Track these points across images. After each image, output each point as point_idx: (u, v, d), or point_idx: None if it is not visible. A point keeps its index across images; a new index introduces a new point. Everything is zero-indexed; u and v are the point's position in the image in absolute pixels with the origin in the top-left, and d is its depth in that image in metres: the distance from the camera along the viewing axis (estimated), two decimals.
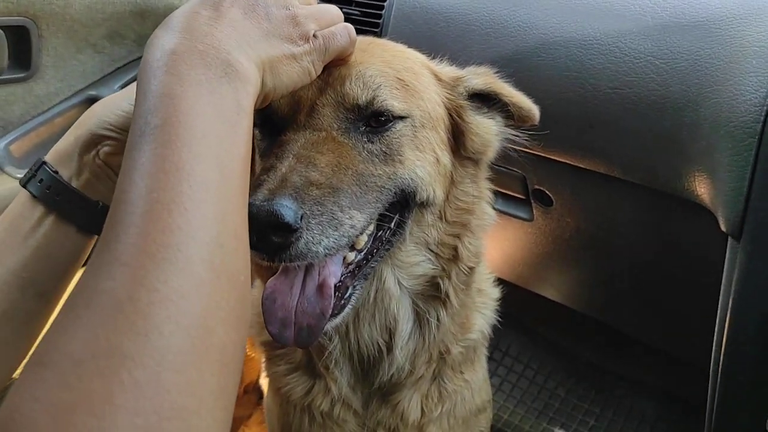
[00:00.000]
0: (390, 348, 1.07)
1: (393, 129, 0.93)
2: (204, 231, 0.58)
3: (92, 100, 1.61)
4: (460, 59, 1.38)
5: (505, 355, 2.46)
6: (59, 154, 0.87)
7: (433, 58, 1.41)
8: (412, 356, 1.08)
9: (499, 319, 2.15)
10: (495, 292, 1.26)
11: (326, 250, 0.82)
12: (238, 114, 0.67)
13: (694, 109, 1.06)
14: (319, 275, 0.90)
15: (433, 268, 1.04)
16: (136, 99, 0.66)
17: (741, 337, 1.07)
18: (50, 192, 0.83)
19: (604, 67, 1.17)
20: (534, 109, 1.04)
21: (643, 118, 1.13)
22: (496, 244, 1.74)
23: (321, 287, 0.89)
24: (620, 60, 1.15)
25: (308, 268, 0.90)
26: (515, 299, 2.06)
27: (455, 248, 1.04)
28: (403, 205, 0.97)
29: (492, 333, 1.27)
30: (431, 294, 1.05)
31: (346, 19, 1.59)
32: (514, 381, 2.39)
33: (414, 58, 1.04)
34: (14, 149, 1.54)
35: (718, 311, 1.10)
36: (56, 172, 0.85)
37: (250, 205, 0.74)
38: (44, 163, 0.85)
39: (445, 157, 1.00)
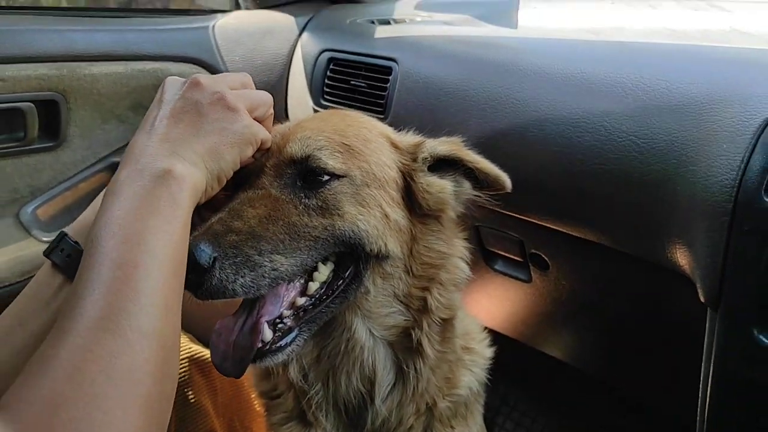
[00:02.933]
0: (372, 398, 1.15)
1: (329, 186, 1.03)
2: (142, 309, 0.73)
3: (115, 166, 1.70)
4: (459, 131, 1.47)
5: (513, 409, 2.49)
6: (81, 225, 0.96)
7: (434, 129, 1.51)
8: (397, 407, 1.15)
9: (507, 375, 2.19)
10: (487, 352, 1.31)
11: (243, 288, 0.93)
12: (172, 207, 0.81)
13: (673, 187, 1.13)
14: (257, 314, 1.01)
15: (406, 320, 1.12)
16: (96, 217, 0.80)
17: (722, 402, 1.11)
18: (70, 261, 0.92)
19: (591, 145, 1.24)
20: (501, 176, 1.11)
21: (627, 192, 1.20)
22: (498, 303, 1.80)
23: (254, 324, 1.00)
24: (605, 138, 1.23)
25: (251, 309, 1.02)
26: (522, 355, 2.11)
27: (424, 300, 1.11)
28: (355, 257, 1.05)
29: (485, 390, 1.33)
30: (408, 345, 1.13)
31: (354, 90, 1.71)
32: None
33: (371, 127, 1.15)
34: (41, 213, 1.64)
35: (701, 377, 1.15)
36: (76, 243, 0.93)
37: None
38: (65, 234, 0.94)
39: (397, 214, 1.08)
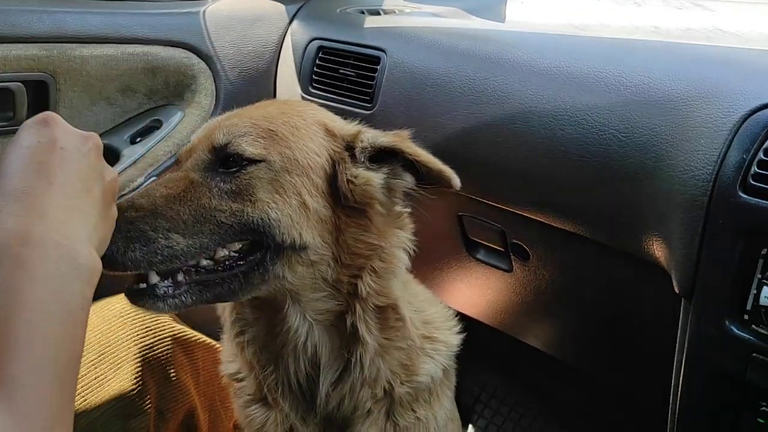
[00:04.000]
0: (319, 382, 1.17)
1: (244, 171, 1.03)
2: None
3: (104, 149, 1.71)
4: (445, 121, 1.50)
5: (491, 396, 2.52)
6: None
7: (420, 119, 1.53)
8: (349, 392, 1.16)
9: (488, 363, 2.23)
10: (453, 339, 1.33)
11: (132, 263, 0.94)
12: (83, 309, 0.70)
13: (651, 180, 1.16)
14: None
15: (338, 304, 1.12)
16: None
17: (693, 390, 1.15)
18: None
19: (574, 138, 1.27)
20: (444, 171, 1.09)
21: (606, 185, 1.23)
22: (479, 292, 1.83)
23: None
24: (587, 131, 1.25)
25: None
26: (502, 343, 2.14)
27: (355, 285, 1.10)
28: (265, 246, 1.04)
29: (455, 375, 1.36)
30: (347, 331, 1.13)
31: (342, 79, 1.72)
32: (499, 423, 2.45)
33: (306, 115, 1.14)
34: None
35: (674, 365, 1.19)
36: None
37: None
38: None
39: (318, 203, 1.06)
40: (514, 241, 1.56)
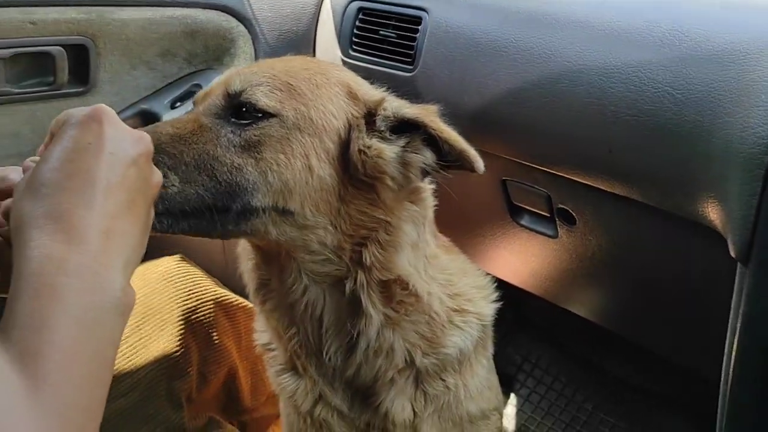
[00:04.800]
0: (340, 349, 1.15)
1: (255, 125, 0.99)
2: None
3: (144, 113, 1.72)
4: (489, 82, 1.45)
5: (535, 366, 2.50)
6: None
7: (463, 80, 1.49)
8: (364, 361, 1.14)
9: (531, 331, 2.20)
10: (485, 310, 1.28)
11: None
12: (113, 346, 0.67)
13: (707, 139, 1.10)
14: None
15: (338, 269, 1.08)
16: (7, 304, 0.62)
17: (748, 359, 1.10)
18: None
19: (624, 95, 1.22)
20: (468, 151, 1.01)
21: (660, 144, 1.18)
22: (523, 259, 1.79)
23: None
24: (639, 89, 1.20)
25: None
26: (547, 313, 2.11)
27: (359, 253, 1.05)
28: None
29: (493, 343, 1.34)
30: (349, 300, 1.09)
31: (383, 41, 1.68)
32: (542, 392, 2.43)
33: (330, 74, 1.08)
34: None
35: (728, 333, 1.14)
36: None
37: None
38: None
39: (323, 170, 1.01)
40: (560, 206, 1.52)
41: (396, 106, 1.05)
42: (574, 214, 1.50)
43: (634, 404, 2.28)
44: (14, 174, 0.83)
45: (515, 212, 1.69)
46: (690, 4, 1.29)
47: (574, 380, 2.42)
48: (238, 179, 0.98)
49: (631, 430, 2.23)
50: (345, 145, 1.04)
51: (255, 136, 0.98)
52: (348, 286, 1.08)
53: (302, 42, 1.88)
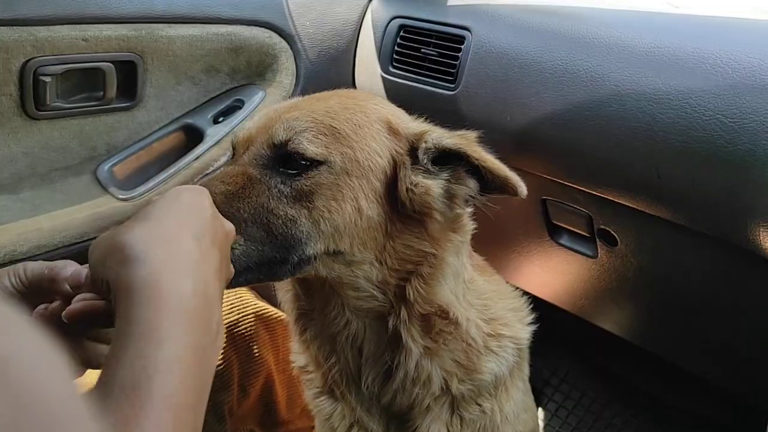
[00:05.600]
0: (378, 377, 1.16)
1: (305, 175, 0.98)
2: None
3: (188, 127, 1.74)
4: (533, 104, 1.46)
5: (562, 381, 2.49)
6: None
7: (506, 101, 1.50)
8: (401, 390, 1.15)
9: (560, 347, 2.19)
10: (521, 333, 1.27)
11: None
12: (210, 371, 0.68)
13: (761, 167, 1.11)
14: None
15: (381, 305, 1.08)
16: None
17: None
18: None
19: (674, 122, 1.22)
20: (511, 178, 1.00)
21: (711, 172, 1.18)
22: (560, 277, 1.79)
23: None
24: (690, 116, 1.20)
25: None
26: (575, 327, 2.11)
27: (403, 288, 1.06)
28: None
29: (526, 366, 1.34)
30: (390, 334, 1.10)
31: (424, 59, 1.70)
32: (570, 408, 2.42)
33: (370, 111, 1.07)
34: (117, 171, 1.68)
35: None
36: None
37: None
38: None
39: (372, 210, 1.01)
40: (602, 227, 1.52)
41: (436, 136, 1.05)
42: (615, 236, 1.50)
43: (663, 421, 2.27)
44: (67, 269, 0.82)
45: (554, 231, 1.70)
46: (740, 31, 1.29)
47: (603, 395, 2.41)
48: (293, 231, 0.98)
49: None
50: (391, 182, 1.04)
51: (306, 186, 0.98)
52: (391, 322, 1.08)
53: (343, 59, 1.90)
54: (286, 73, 1.81)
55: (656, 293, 1.58)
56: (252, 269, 0.98)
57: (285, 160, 1.00)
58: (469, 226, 1.16)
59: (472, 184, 1.05)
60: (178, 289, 0.65)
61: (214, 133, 1.72)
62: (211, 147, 1.71)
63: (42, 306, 0.80)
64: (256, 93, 1.79)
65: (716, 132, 1.17)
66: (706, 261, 1.37)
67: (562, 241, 1.69)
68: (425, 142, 1.04)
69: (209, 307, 0.68)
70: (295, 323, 1.22)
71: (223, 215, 0.88)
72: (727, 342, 1.48)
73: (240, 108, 1.77)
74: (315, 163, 0.99)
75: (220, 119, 1.76)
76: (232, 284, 0.93)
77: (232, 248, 0.89)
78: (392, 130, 1.07)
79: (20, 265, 0.80)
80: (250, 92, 1.79)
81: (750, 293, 1.32)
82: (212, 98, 1.78)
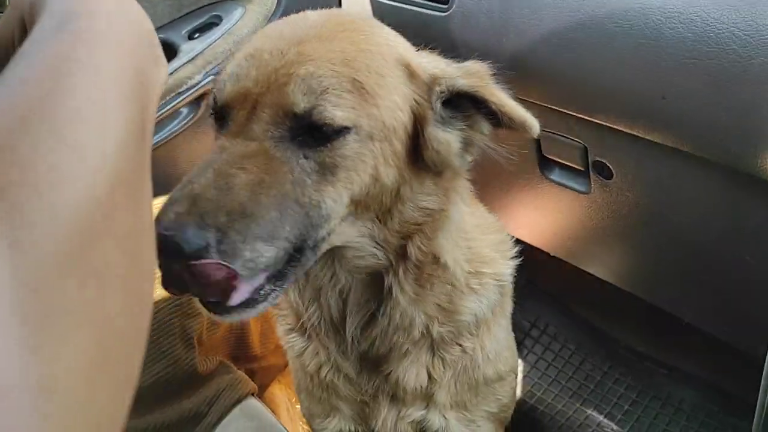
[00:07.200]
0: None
1: (329, 146, 0.84)
2: None
3: (161, 43, 1.63)
4: (531, 23, 1.37)
5: (542, 333, 2.46)
6: None
7: (503, 21, 1.41)
8: (380, 336, 1.09)
9: (541, 297, 2.14)
10: (503, 269, 1.21)
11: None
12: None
13: None
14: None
15: (378, 262, 1.00)
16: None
17: None
18: None
19: (684, 37, 1.14)
20: (528, 121, 0.91)
21: (721, 90, 1.10)
22: (547, 216, 1.73)
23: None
24: (701, 30, 1.12)
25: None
26: (558, 279, 2.06)
27: (403, 247, 0.99)
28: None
29: (509, 304, 1.30)
30: (378, 286, 1.04)
31: None
32: (549, 359, 2.39)
33: (387, 53, 0.92)
34: None
35: None
36: None
37: (157, 228, 0.62)
38: None
39: (389, 176, 0.91)
40: (597, 158, 1.45)
41: (448, 76, 0.93)
42: (612, 168, 1.43)
43: (643, 373, 2.24)
44: None
45: (545, 166, 1.62)
46: None
47: (583, 348, 2.38)
48: (314, 219, 0.85)
49: (640, 399, 2.19)
50: (411, 138, 0.93)
51: (329, 158, 0.84)
52: (387, 280, 1.01)
53: None
54: None
55: (651, 231, 1.51)
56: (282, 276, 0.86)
57: (307, 130, 0.84)
58: (467, 165, 1.07)
59: (486, 129, 0.96)
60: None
61: (189, 49, 1.61)
62: (185, 63, 1.59)
63: None
64: (234, 9, 1.68)
65: (729, 46, 1.08)
66: (709, 194, 1.30)
67: (552, 177, 1.61)
68: (438, 85, 0.93)
69: None
70: None
71: (253, 221, 0.76)
72: (726, 284, 1.42)
73: (217, 24, 1.66)
74: (342, 131, 0.84)
75: (196, 35, 1.65)
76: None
77: (252, 257, 0.77)
78: (412, 74, 0.93)
79: None
80: (229, 8, 1.68)
81: (755, 230, 1.25)
82: (187, 13, 1.67)
